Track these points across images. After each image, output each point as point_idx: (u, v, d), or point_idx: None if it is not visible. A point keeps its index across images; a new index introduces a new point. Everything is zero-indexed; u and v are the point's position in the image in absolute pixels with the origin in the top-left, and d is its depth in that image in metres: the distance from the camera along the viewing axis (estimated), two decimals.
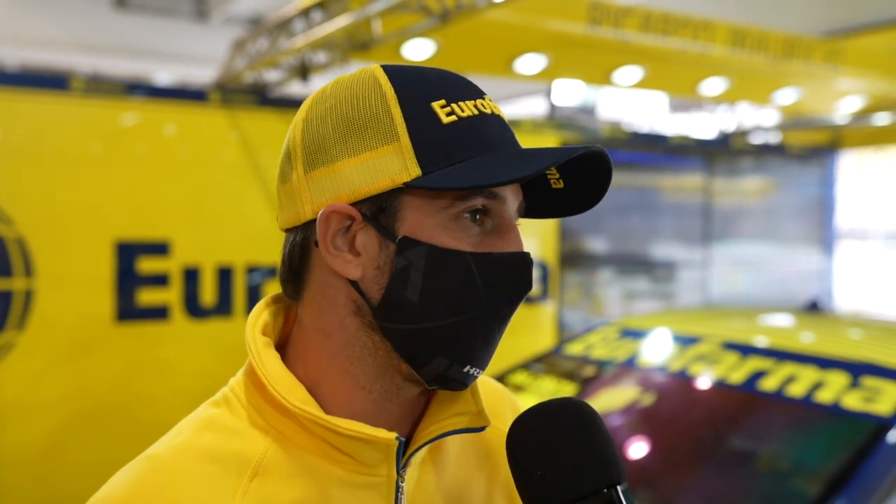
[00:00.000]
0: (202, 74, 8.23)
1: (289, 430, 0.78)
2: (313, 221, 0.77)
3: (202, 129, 4.06)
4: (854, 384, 2.39)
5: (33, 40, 7.47)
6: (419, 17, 2.99)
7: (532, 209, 0.83)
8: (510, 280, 0.77)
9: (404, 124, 0.74)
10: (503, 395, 0.99)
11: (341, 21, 3.07)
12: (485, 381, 0.97)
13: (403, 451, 0.81)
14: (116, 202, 3.78)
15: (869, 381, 2.38)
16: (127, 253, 3.87)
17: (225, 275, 4.17)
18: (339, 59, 3.60)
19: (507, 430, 0.83)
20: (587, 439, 0.75)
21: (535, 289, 5.09)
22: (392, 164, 0.74)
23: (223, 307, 4.17)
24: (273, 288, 4.26)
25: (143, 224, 3.85)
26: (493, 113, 0.78)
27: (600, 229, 5.65)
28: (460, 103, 0.76)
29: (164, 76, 9.03)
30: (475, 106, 0.77)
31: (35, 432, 3.60)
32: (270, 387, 0.77)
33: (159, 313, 3.96)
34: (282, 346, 0.85)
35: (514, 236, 0.78)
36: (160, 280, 3.95)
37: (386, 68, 0.79)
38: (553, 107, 6.32)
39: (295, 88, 4.33)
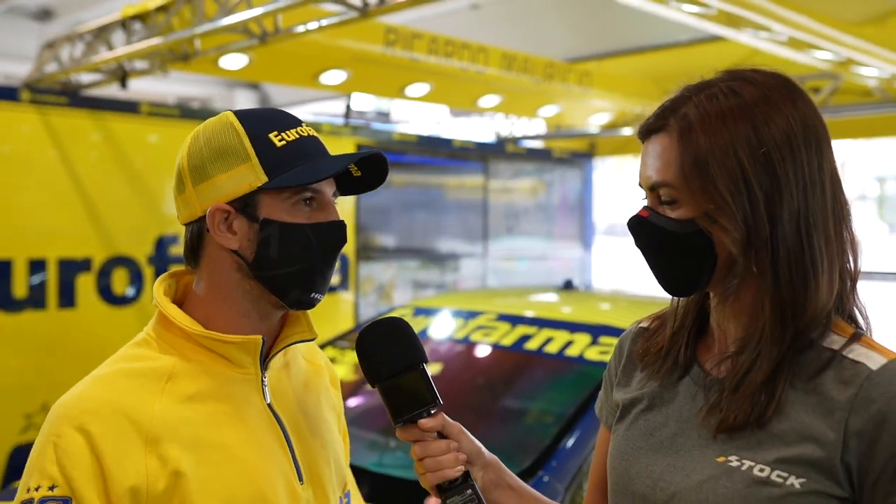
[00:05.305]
0: None
1: (188, 349, 1.17)
2: (204, 217, 1.17)
3: (11, 127, 4.15)
4: (594, 342, 3.01)
5: None
6: (240, 35, 3.37)
7: (344, 189, 1.25)
8: (332, 238, 1.19)
9: (253, 151, 1.15)
10: (321, 354, 1.49)
11: (165, 36, 3.37)
12: (314, 347, 1.47)
13: (265, 357, 1.21)
14: None
15: (605, 339, 3.02)
16: None
17: (37, 268, 4.28)
18: (159, 68, 3.87)
19: (322, 365, 1.37)
20: (406, 337, 1.23)
21: (335, 279, 5.55)
22: (248, 175, 1.15)
23: (36, 300, 4.27)
24: (84, 280, 4.43)
25: None
26: (308, 135, 1.19)
27: (390, 225, 6.15)
28: (287, 132, 1.17)
29: None
30: (296, 132, 1.18)
31: None
32: (176, 321, 1.20)
33: None
34: (179, 304, 1.28)
35: (332, 210, 1.19)
36: None
37: (237, 114, 1.20)
38: (350, 109, 6.82)
39: (110, 89, 4.49)
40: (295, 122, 1.21)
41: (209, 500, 1.09)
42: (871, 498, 1.00)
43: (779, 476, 1.01)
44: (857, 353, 1.05)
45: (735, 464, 1.05)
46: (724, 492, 1.04)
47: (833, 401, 1.02)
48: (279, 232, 1.15)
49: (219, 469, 1.11)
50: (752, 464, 1.03)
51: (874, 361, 1.03)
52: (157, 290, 1.24)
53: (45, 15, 8.10)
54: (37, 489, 1.04)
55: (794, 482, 1.01)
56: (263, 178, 1.14)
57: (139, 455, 1.07)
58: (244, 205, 1.16)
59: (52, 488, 1.04)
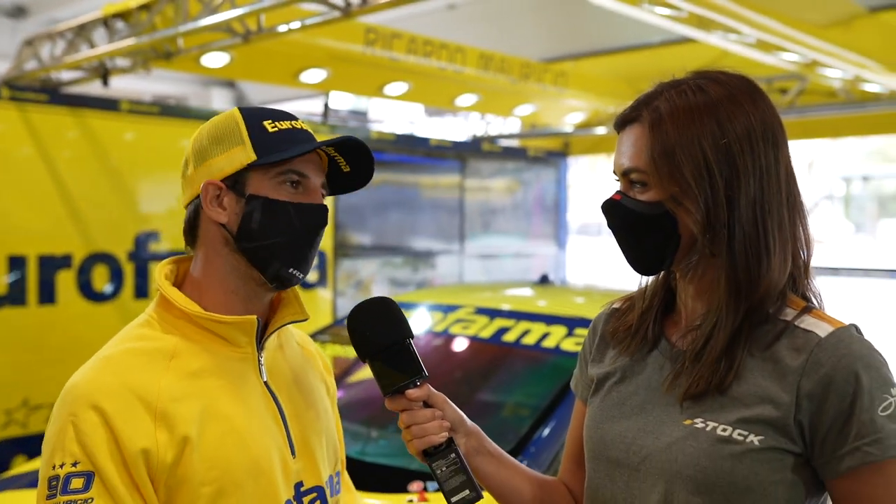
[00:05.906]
0: None
1: (188, 330, 1.25)
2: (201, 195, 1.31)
3: None
4: (569, 333, 3.10)
5: None
6: (223, 34, 3.42)
7: (334, 189, 1.33)
8: (312, 219, 1.27)
9: (247, 134, 1.26)
10: (312, 342, 1.58)
11: (149, 35, 3.41)
12: (306, 336, 1.56)
13: (260, 337, 1.29)
14: None
15: (579, 330, 3.11)
16: None
17: (17, 264, 4.29)
18: (141, 66, 3.91)
19: (314, 353, 1.46)
20: (392, 315, 1.31)
21: (313, 276, 5.60)
22: (241, 155, 1.24)
23: (16, 296, 4.29)
24: (64, 277, 4.46)
25: None
26: (301, 128, 1.29)
27: (367, 223, 6.19)
28: (280, 122, 1.28)
29: None
30: (290, 124, 1.28)
31: None
32: (176, 303, 1.28)
33: None
34: (178, 287, 1.35)
35: (317, 195, 1.28)
36: None
37: (241, 109, 1.30)
38: (328, 108, 6.87)
39: (88, 87, 4.51)
40: (291, 117, 1.31)
41: (210, 468, 1.17)
42: (821, 452, 1.11)
43: (739, 434, 1.12)
44: (808, 322, 1.16)
45: (700, 425, 1.15)
46: (691, 451, 1.14)
47: (787, 366, 1.13)
48: (262, 206, 1.24)
49: (220, 439, 1.19)
50: (716, 424, 1.14)
51: (823, 330, 1.14)
52: (159, 274, 1.32)
53: (19, 12, 8.07)
54: (61, 466, 1.12)
55: (754, 440, 1.11)
56: (253, 157, 1.24)
57: (150, 429, 1.15)
58: (234, 182, 1.25)
59: (75, 464, 1.11)
